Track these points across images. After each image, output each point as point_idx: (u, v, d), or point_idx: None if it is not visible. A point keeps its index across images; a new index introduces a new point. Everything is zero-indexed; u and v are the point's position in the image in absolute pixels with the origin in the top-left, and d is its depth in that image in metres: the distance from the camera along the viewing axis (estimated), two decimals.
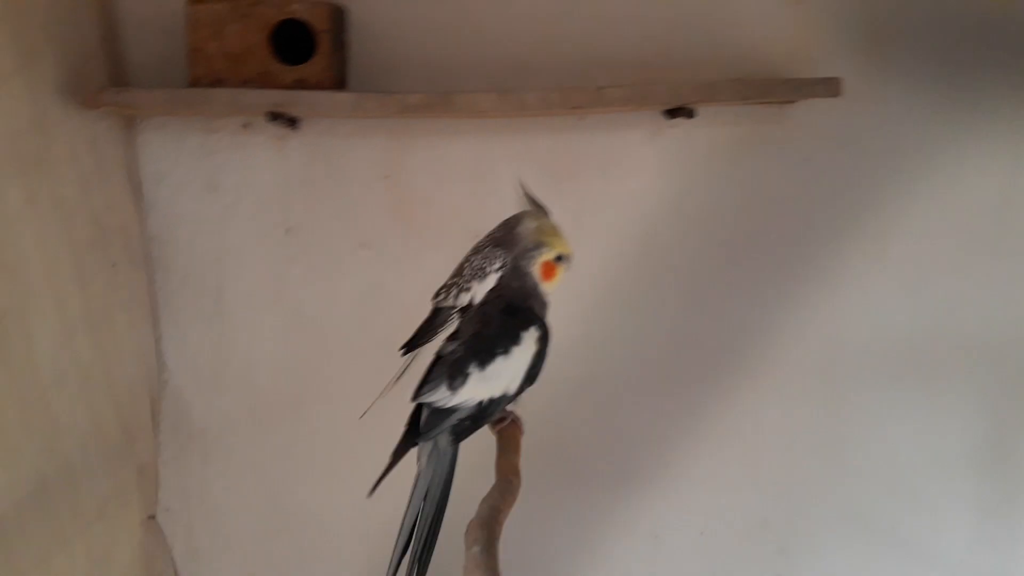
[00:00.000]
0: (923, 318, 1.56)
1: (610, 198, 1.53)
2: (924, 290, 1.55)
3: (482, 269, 1.18)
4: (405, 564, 0.99)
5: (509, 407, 1.08)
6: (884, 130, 1.51)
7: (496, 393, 1.01)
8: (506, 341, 1.01)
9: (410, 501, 1.00)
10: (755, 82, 1.37)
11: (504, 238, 1.15)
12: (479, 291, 1.17)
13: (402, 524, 0.99)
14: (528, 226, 1.08)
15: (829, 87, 1.36)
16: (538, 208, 1.09)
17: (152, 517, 1.56)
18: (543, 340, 1.03)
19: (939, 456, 1.58)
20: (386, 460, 1.02)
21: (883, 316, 1.56)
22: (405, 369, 1.31)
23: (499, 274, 1.10)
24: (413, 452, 1.04)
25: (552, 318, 1.08)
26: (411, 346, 1.28)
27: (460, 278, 1.22)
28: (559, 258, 1.06)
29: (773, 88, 1.37)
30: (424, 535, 0.97)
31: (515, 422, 1.10)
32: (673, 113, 1.44)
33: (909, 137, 1.52)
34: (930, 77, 1.50)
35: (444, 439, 1.01)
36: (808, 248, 1.54)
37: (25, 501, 1.20)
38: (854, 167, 1.52)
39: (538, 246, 1.05)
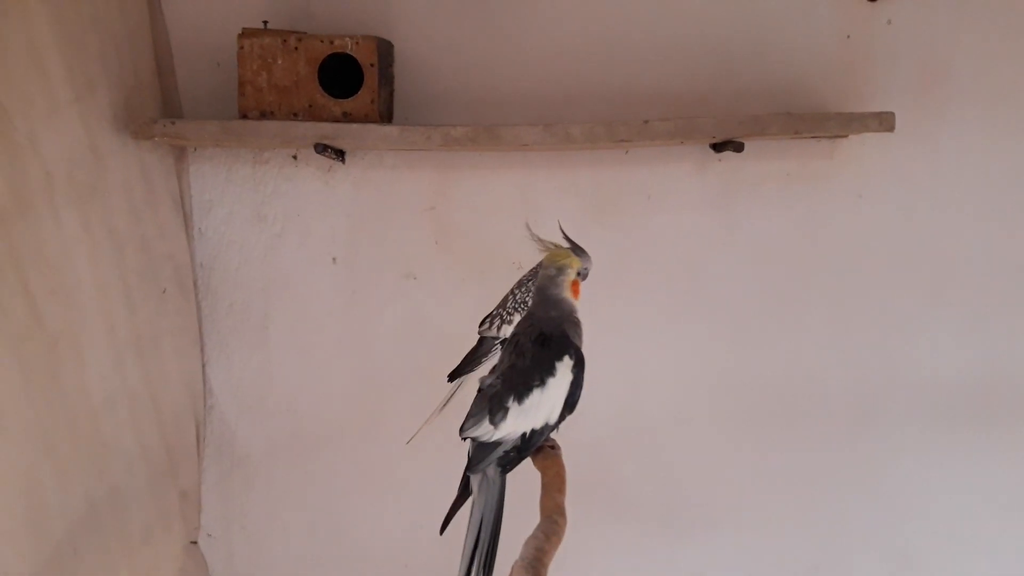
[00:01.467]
0: (979, 360, 1.52)
1: (656, 232, 1.52)
2: (980, 332, 1.51)
3: (524, 302, 1.20)
4: None
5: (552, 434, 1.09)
6: (938, 168, 1.49)
7: (537, 424, 1.02)
8: (541, 373, 1.01)
9: (468, 529, 1.02)
10: (805, 116, 1.35)
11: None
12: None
13: (463, 550, 1.01)
14: (545, 257, 1.10)
15: (883, 122, 1.34)
16: (542, 242, 1.11)
17: (194, 543, 1.56)
18: (578, 367, 1.03)
19: (997, 501, 1.53)
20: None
21: (937, 357, 1.52)
22: (451, 397, 1.32)
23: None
24: None
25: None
26: (457, 374, 1.29)
27: (503, 309, 1.24)
28: (579, 273, 1.08)
29: (824, 122, 1.35)
30: (483, 559, 1.00)
31: (554, 448, 1.10)
32: (721, 147, 1.42)
33: (964, 176, 1.49)
34: (986, 114, 1.47)
35: (492, 470, 1.03)
36: (859, 286, 1.52)
37: (77, 525, 1.21)
38: (907, 205, 1.50)
39: (561, 270, 1.06)
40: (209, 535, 1.58)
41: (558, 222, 1.12)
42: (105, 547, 1.28)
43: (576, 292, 1.08)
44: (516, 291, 1.24)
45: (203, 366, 1.56)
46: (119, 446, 1.33)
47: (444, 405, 1.33)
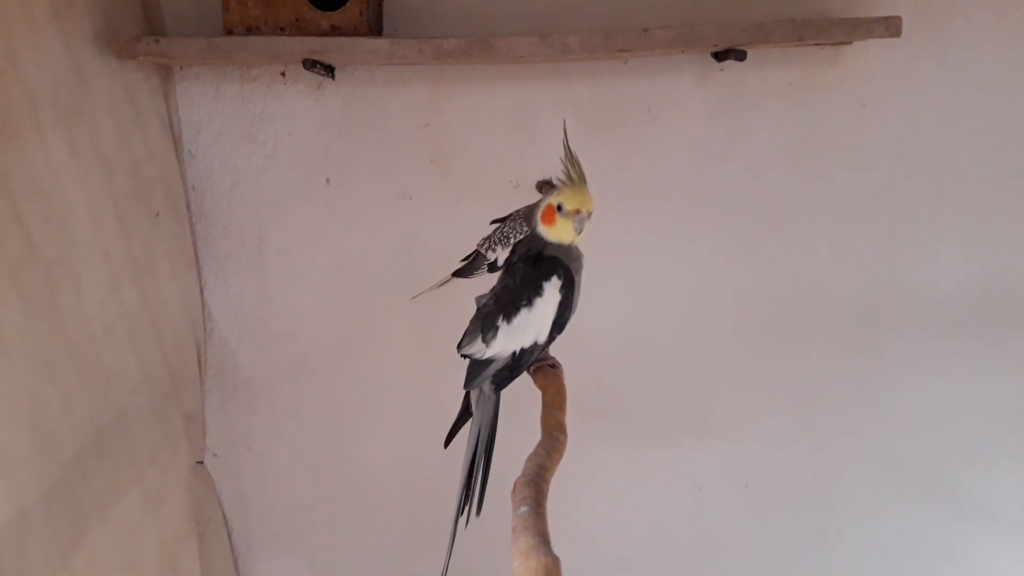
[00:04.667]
0: (982, 272, 1.51)
1: (656, 145, 1.49)
2: (982, 241, 1.50)
3: (515, 231, 1.18)
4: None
5: (550, 351, 1.10)
6: (946, 75, 1.45)
7: (527, 343, 1.03)
8: (529, 292, 1.01)
9: (467, 444, 1.05)
10: (809, 22, 1.30)
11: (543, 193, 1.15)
12: (502, 255, 1.19)
13: (463, 464, 1.04)
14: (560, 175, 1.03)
15: (889, 27, 1.29)
16: (570, 156, 1.04)
17: (200, 463, 1.59)
18: (566, 287, 1.01)
19: (995, 411, 1.55)
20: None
21: (939, 267, 1.52)
22: (444, 282, 1.32)
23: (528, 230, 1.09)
24: None
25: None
26: (457, 274, 1.30)
27: (496, 232, 1.23)
28: (559, 207, 0.99)
29: (828, 28, 1.30)
30: (479, 471, 1.03)
31: (555, 367, 1.11)
32: (723, 56, 1.38)
33: (971, 81, 1.45)
34: (997, 19, 1.43)
35: (487, 386, 1.06)
36: (862, 197, 1.50)
37: (85, 449, 1.23)
38: (912, 113, 1.47)
39: (552, 190, 1.02)
40: (215, 455, 1.61)
41: (564, 127, 1.03)
42: (114, 469, 1.30)
43: (548, 220, 1.00)
44: (507, 221, 1.22)
45: (201, 290, 1.55)
46: (121, 370, 1.34)
47: (440, 284, 1.34)
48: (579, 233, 1.00)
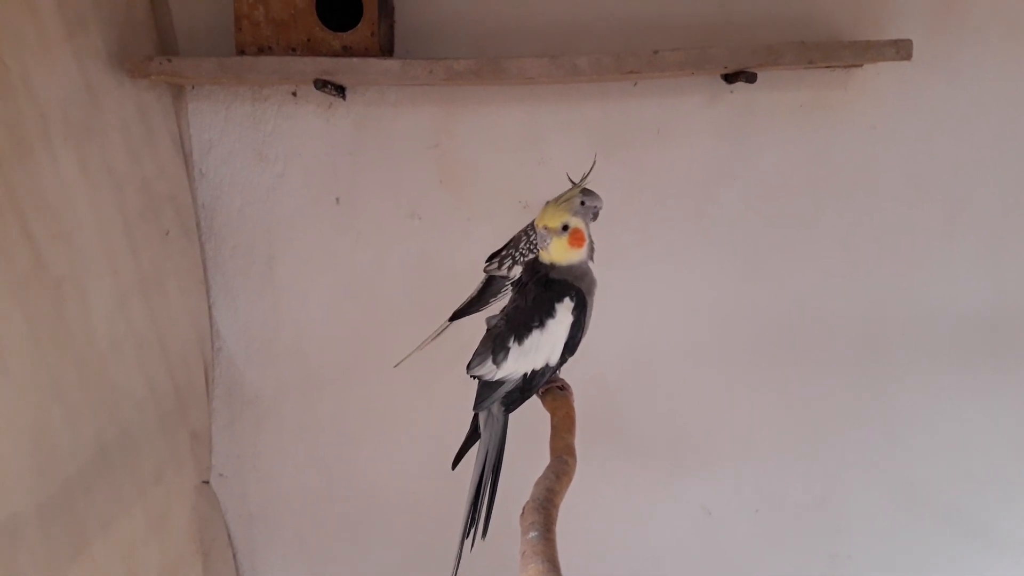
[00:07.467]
0: (993, 293, 1.50)
1: (666, 167, 1.49)
2: (995, 264, 1.49)
3: (529, 248, 1.17)
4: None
5: (559, 374, 1.10)
6: (956, 98, 1.45)
7: (538, 365, 1.02)
8: (541, 314, 1.01)
9: (474, 465, 1.05)
10: (820, 45, 1.31)
11: None
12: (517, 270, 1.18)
13: (471, 484, 1.04)
14: None
15: (900, 50, 1.29)
16: (582, 181, 1.05)
17: (206, 482, 1.58)
18: (579, 309, 1.01)
19: (1009, 437, 1.54)
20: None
21: (951, 290, 1.51)
22: (443, 329, 1.30)
23: None
24: None
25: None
26: (461, 315, 1.28)
27: (516, 249, 1.22)
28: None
29: (839, 51, 1.31)
30: (486, 493, 1.03)
31: (564, 389, 1.10)
32: (733, 78, 1.39)
33: (982, 104, 1.45)
34: (1006, 41, 1.43)
35: (497, 408, 1.05)
36: (872, 220, 1.49)
37: (88, 465, 1.22)
38: (923, 136, 1.46)
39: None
40: (221, 475, 1.60)
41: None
42: (117, 486, 1.29)
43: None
44: (530, 232, 1.22)
45: (209, 308, 1.55)
46: (128, 387, 1.33)
47: (436, 336, 1.33)
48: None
